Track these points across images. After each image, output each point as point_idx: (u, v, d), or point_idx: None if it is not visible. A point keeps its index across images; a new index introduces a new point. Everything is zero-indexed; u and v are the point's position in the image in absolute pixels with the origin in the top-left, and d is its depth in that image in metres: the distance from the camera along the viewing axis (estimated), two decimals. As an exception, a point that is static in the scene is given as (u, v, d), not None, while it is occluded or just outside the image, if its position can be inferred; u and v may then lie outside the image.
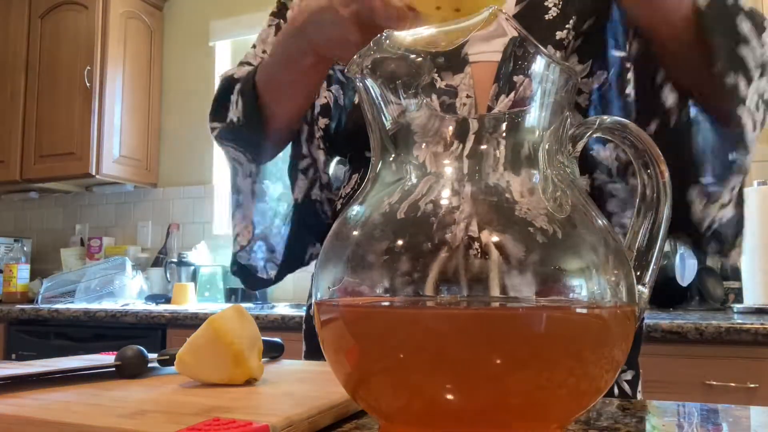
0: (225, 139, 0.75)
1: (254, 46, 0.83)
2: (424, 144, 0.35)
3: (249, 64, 0.81)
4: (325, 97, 0.78)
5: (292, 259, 0.82)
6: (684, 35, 0.59)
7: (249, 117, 0.72)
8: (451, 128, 0.35)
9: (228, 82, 0.78)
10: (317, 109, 0.78)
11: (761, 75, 0.59)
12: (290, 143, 0.79)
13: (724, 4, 0.59)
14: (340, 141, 0.79)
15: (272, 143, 0.76)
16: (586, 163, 0.69)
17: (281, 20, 0.82)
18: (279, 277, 0.82)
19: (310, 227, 0.81)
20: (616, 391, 0.71)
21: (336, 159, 0.83)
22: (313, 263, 0.83)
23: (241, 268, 0.80)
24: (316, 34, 0.63)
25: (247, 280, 0.82)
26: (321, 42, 0.63)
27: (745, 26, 0.58)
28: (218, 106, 0.78)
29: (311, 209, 0.80)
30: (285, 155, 0.80)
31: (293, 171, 0.79)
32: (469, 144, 0.35)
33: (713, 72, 0.57)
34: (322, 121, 0.78)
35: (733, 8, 0.60)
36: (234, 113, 0.73)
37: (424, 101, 0.35)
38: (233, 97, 0.74)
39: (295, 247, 0.81)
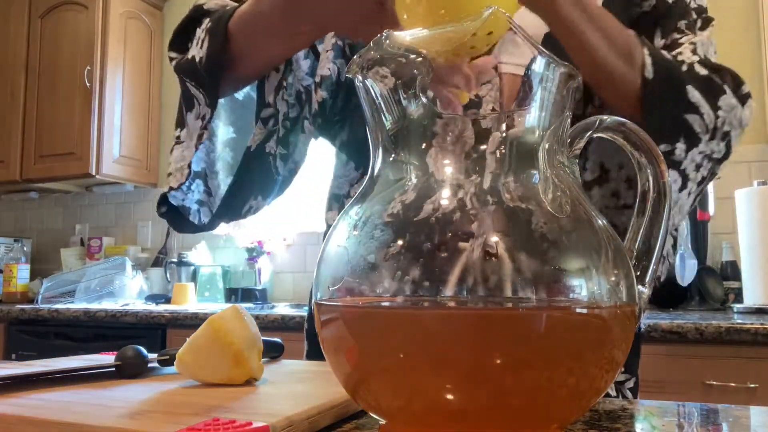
0: (184, 74, 0.70)
1: None
2: (423, 144, 0.35)
3: None
4: (329, 69, 0.74)
5: (229, 208, 0.77)
6: (631, 108, 0.62)
7: (213, 60, 0.67)
8: (450, 129, 0.35)
9: (196, 13, 0.73)
10: (317, 78, 0.75)
11: (712, 138, 0.62)
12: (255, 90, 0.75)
13: (672, 74, 0.62)
14: (331, 121, 0.76)
15: (230, 87, 0.72)
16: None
17: None
18: (211, 224, 0.77)
19: (255, 179, 0.77)
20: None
21: (335, 151, 0.80)
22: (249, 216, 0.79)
23: (170, 209, 0.74)
24: (322, 11, 0.59)
25: (176, 223, 0.76)
26: (329, 20, 0.60)
27: (694, 94, 0.61)
28: (180, 36, 0.73)
29: (261, 161, 0.76)
30: (246, 99, 0.76)
31: (255, 119, 0.75)
32: (468, 144, 0.35)
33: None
34: (320, 94, 0.74)
35: (684, 76, 0.62)
36: (198, 52, 0.68)
37: (424, 102, 0.35)
38: (200, 34, 0.69)
39: (234, 196, 0.77)
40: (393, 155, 0.37)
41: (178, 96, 0.75)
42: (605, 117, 0.38)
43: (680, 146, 0.61)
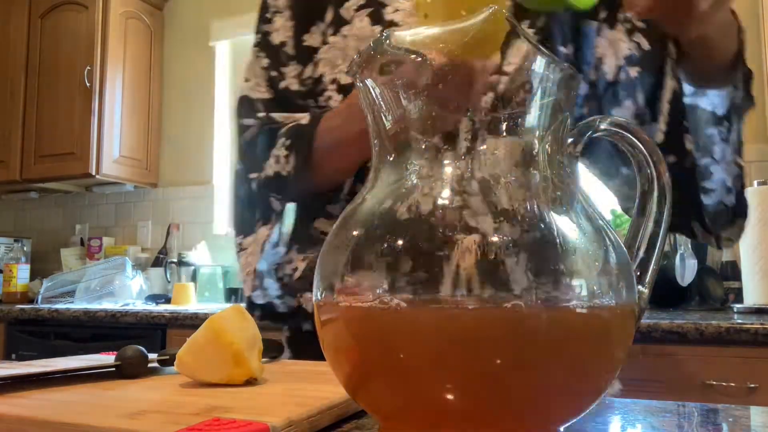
0: (269, 189, 0.75)
1: (247, 80, 0.84)
2: (423, 145, 0.35)
3: (248, 99, 0.81)
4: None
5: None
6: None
7: (302, 170, 0.72)
8: (450, 128, 0.35)
9: (260, 136, 0.78)
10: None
11: None
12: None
13: None
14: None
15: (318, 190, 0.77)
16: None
17: (267, 57, 0.83)
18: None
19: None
20: None
21: None
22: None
23: (262, 310, 0.77)
24: None
25: (276, 321, 0.79)
26: None
27: None
28: (252, 157, 0.78)
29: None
30: None
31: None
32: (468, 144, 0.35)
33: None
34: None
35: None
36: (282, 167, 0.74)
37: (424, 102, 0.35)
38: (278, 152, 0.74)
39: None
40: (393, 155, 0.36)
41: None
42: (606, 117, 0.38)
43: None
